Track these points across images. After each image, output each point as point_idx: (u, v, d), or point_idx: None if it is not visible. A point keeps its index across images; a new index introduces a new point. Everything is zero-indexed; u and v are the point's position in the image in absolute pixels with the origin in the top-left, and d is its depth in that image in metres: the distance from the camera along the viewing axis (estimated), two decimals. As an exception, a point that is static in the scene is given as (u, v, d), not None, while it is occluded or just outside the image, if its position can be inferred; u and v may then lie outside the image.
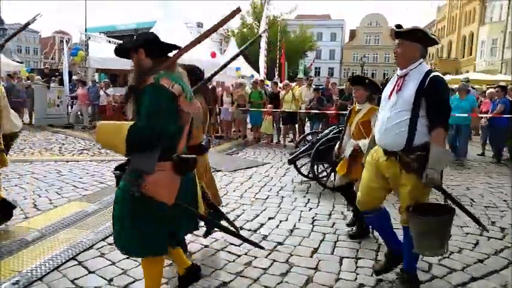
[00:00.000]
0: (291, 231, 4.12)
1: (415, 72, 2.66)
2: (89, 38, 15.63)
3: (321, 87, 11.57)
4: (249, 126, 11.89)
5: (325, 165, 6.21)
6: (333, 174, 5.75)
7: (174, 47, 2.35)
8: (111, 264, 3.22)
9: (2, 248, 3.38)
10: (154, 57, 2.29)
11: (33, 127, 12.53)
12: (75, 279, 2.97)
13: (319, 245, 3.76)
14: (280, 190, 5.83)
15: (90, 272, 3.08)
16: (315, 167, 6.00)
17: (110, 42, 17.61)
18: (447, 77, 19.60)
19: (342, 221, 4.50)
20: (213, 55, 13.83)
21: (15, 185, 5.47)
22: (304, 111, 10.56)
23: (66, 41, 18.70)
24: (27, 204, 4.66)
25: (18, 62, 26.64)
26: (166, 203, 2.25)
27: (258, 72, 21.33)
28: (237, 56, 3.66)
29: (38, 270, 3.04)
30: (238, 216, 4.54)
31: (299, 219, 4.50)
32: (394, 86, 2.76)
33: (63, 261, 3.22)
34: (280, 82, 16.86)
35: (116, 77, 15.99)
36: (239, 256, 3.46)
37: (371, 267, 3.30)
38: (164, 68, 2.25)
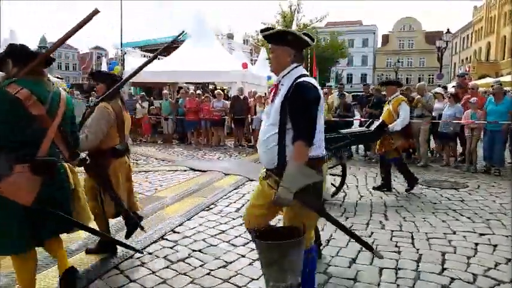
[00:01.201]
0: (328, 241, 4.06)
1: (287, 79, 2.37)
2: (125, 52, 16.21)
3: (361, 94, 11.50)
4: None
5: None
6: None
7: (40, 54, 2.53)
8: (151, 274, 3.29)
9: (48, 257, 3.53)
10: (21, 65, 2.45)
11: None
12: (118, 287, 3.05)
13: (357, 256, 3.69)
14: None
15: (131, 281, 3.15)
16: None
17: (144, 56, 18.21)
18: (484, 81, 18.74)
19: (380, 230, 4.40)
20: (244, 66, 13.97)
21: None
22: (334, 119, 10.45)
23: (104, 56, 19.45)
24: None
25: (58, 78, 27.93)
26: (25, 203, 2.35)
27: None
28: (150, 61, 3.67)
29: (82, 279, 3.14)
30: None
31: (335, 230, 4.42)
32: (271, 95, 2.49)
33: (106, 270, 3.32)
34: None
35: (151, 89, 16.47)
36: (276, 266, 3.44)
37: (412, 278, 3.20)
38: (24, 75, 2.42)
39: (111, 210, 3.45)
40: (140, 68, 3.24)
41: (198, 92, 13.81)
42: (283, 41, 2.39)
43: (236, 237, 4.16)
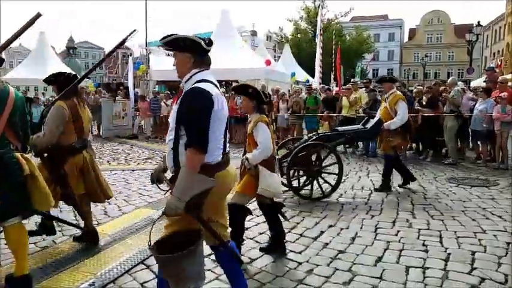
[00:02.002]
0: (353, 239, 4.02)
1: (188, 84, 2.33)
2: (150, 52, 16.48)
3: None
4: (305, 132, 11.81)
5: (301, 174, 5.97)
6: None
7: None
8: (176, 269, 3.34)
9: (78, 252, 3.65)
10: None
11: (101, 138, 13.42)
12: (144, 282, 3.12)
13: (383, 254, 3.63)
14: (339, 197, 5.71)
15: (157, 276, 3.21)
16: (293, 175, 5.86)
17: (168, 55, 18.44)
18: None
19: (407, 229, 4.31)
20: (268, 63, 13.97)
21: (88, 193, 5.87)
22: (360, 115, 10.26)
23: (130, 55, 19.83)
24: (98, 211, 4.99)
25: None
26: None
27: (313, 77, 21.21)
28: (101, 62, 3.81)
29: (111, 273, 3.23)
30: (298, 223, 4.52)
31: (361, 227, 4.38)
32: None
33: (133, 265, 3.40)
34: (337, 86, 16.57)
35: (175, 88, 16.68)
36: (300, 264, 3.44)
37: (440, 278, 3.13)
38: None
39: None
40: (90, 70, 3.43)
41: (222, 89, 13.90)
42: (182, 47, 2.36)
43: (260, 234, 4.17)
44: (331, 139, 6.01)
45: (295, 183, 5.82)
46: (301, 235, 4.13)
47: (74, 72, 3.74)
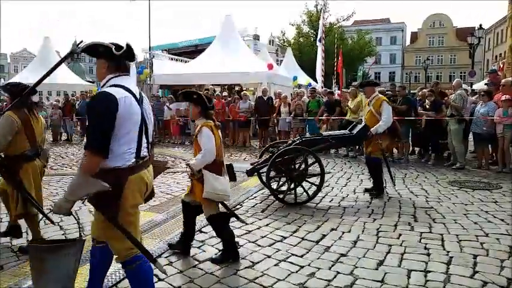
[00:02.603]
0: (355, 242, 4.02)
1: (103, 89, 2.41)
2: (153, 56, 16.54)
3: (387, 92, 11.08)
4: (307, 135, 11.82)
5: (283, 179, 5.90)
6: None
7: None
8: (178, 273, 3.36)
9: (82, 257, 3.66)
10: None
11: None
12: (147, 286, 3.12)
13: (385, 257, 3.63)
14: (341, 201, 5.72)
15: (159, 280, 3.23)
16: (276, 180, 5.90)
17: (172, 59, 18.53)
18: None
19: (409, 232, 4.31)
20: (270, 67, 13.99)
21: (91, 197, 5.90)
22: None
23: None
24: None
25: (90, 82, 28.81)
26: None
27: (316, 80, 21.23)
28: (52, 70, 3.67)
29: (113, 276, 3.24)
30: (300, 227, 4.53)
31: (363, 231, 4.38)
32: None
33: (135, 268, 3.41)
34: (339, 89, 16.61)
35: (178, 92, 16.75)
36: (302, 267, 3.45)
37: (442, 281, 3.14)
38: None
39: (20, 210, 3.73)
40: (42, 79, 3.25)
41: (225, 93, 13.94)
42: (97, 54, 2.44)
43: (262, 237, 4.18)
44: (314, 144, 5.99)
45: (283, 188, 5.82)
46: (302, 238, 4.14)
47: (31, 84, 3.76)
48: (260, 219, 4.81)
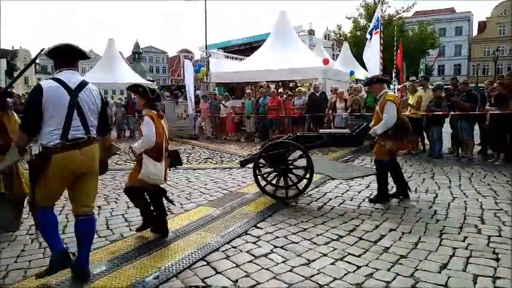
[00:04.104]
0: (416, 244, 3.85)
1: None
2: (210, 55, 16.95)
3: (446, 87, 10.42)
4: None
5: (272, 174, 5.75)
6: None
7: None
8: (235, 267, 3.42)
9: (145, 246, 3.87)
10: None
11: (165, 138, 14.01)
12: (205, 278, 3.23)
13: (449, 260, 3.45)
14: (400, 200, 5.50)
15: (217, 273, 3.32)
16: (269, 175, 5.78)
17: (227, 57, 18.87)
18: None
19: (476, 235, 4.05)
20: (325, 62, 13.78)
21: (153, 191, 6.19)
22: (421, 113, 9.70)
23: (190, 58, 20.52)
24: (162, 207, 5.25)
25: (150, 80, 30.13)
26: None
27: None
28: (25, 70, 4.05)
29: (174, 267, 3.39)
30: (357, 226, 4.42)
31: (424, 232, 4.19)
32: None
33: (194, 261, 3.53)
34: (399, 84, 15.97)
35: (233, 89, 17.03)
36: (359, 267, 3.37)
37: (514, 290, 2.91)
38: None
39: None
40: (13, 81, 3.90)
41: (280, 90, 13.95)
42: (51, 56, 3.11)
43: (318, 235, 4.14)
44: (309, 140, 5.96)
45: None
46: (360, 238, 4.04)
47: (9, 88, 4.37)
48: (315, 217, 4.77)
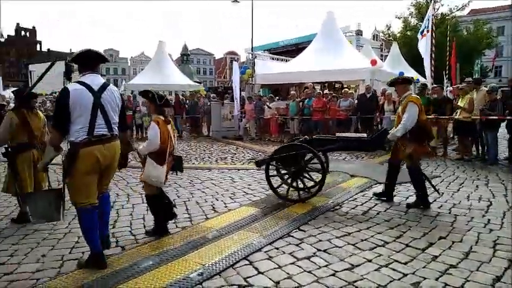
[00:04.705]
0: (467, 254, 3.67)
1: None
2: (255, 56, 17.07)
3: (503, 89, 9.81)
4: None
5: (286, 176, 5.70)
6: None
7: None
8: (277, 268, 3.43)
9: (189, 243, 3.98)
10: None
11: (210, 139, 14.32)
12: (247, 277, 3.27)
13: (504, 273, 3.26)
14: (452, 207, 5.25)
15: (259, 273, 3.35)
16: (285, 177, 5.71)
17: (273, 59, 18.91)
18: None
19: (535, 247, 3.79)
20: (373, 62, 13.43)
21: (198, 189, 6.36)
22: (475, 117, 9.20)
23: (236, 60, 20.80)
24: (207, 206, 5.38)
25: (197, 82, 30.81)
26: None
27: (424, 76, 19.77)
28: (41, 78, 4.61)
29: (217, 265, 3.46)
30: (404, 232, 4.29)
31: (476, 242, 3.98)
32: None
33: (237, 259, 3.58)
34: (451, 86, 15.28)
35: (278, 91, 17.04)
36: (405, 275, 3.26)
37: None
38: None
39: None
40: (33, 86, 4.30)
41: (326, 91, 13.78)
42: (74, 60, 3.46)
43: (362, 240, 4.06)
44: (323, 144, 5.80)
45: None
46: (407, 245, 3.91)
47: (30, 90, 5.01)
48: (360, 222, 4.67)
